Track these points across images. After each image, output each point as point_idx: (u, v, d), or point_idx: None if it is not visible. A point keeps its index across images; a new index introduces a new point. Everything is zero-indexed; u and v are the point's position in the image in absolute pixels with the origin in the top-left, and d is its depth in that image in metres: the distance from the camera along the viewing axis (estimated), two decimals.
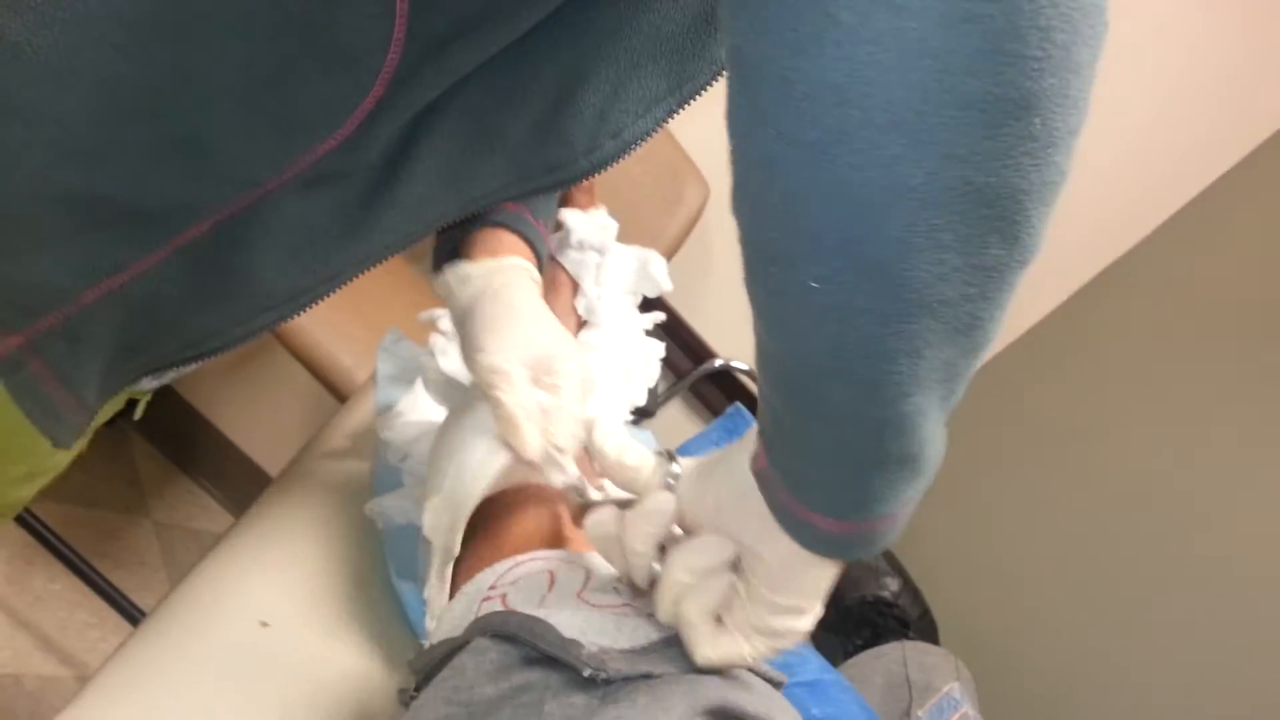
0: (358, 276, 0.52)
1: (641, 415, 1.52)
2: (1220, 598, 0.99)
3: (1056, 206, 0.32)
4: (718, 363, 1.64)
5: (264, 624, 0.54)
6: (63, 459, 0.59)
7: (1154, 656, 1.02)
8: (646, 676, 0.41)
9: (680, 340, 1.63)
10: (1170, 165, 1.51)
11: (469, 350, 0.56)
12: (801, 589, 0.42)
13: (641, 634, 0.44)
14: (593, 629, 0.43)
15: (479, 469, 0.54)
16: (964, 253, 0.30)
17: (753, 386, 1.65)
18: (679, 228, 1.50)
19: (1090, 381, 1.44)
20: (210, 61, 0.40)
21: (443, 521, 0.54)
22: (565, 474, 0.53)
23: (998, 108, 0.28)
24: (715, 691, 0.41)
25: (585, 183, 0.78)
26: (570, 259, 0.77)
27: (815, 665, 0.72)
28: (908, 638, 0.87)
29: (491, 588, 0.49)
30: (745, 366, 1.64)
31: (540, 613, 0.45)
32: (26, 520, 1.28)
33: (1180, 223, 1.51)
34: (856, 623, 0.89)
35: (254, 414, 1.67)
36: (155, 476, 1.65)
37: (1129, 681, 1.02)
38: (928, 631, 0.92)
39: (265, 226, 0.46)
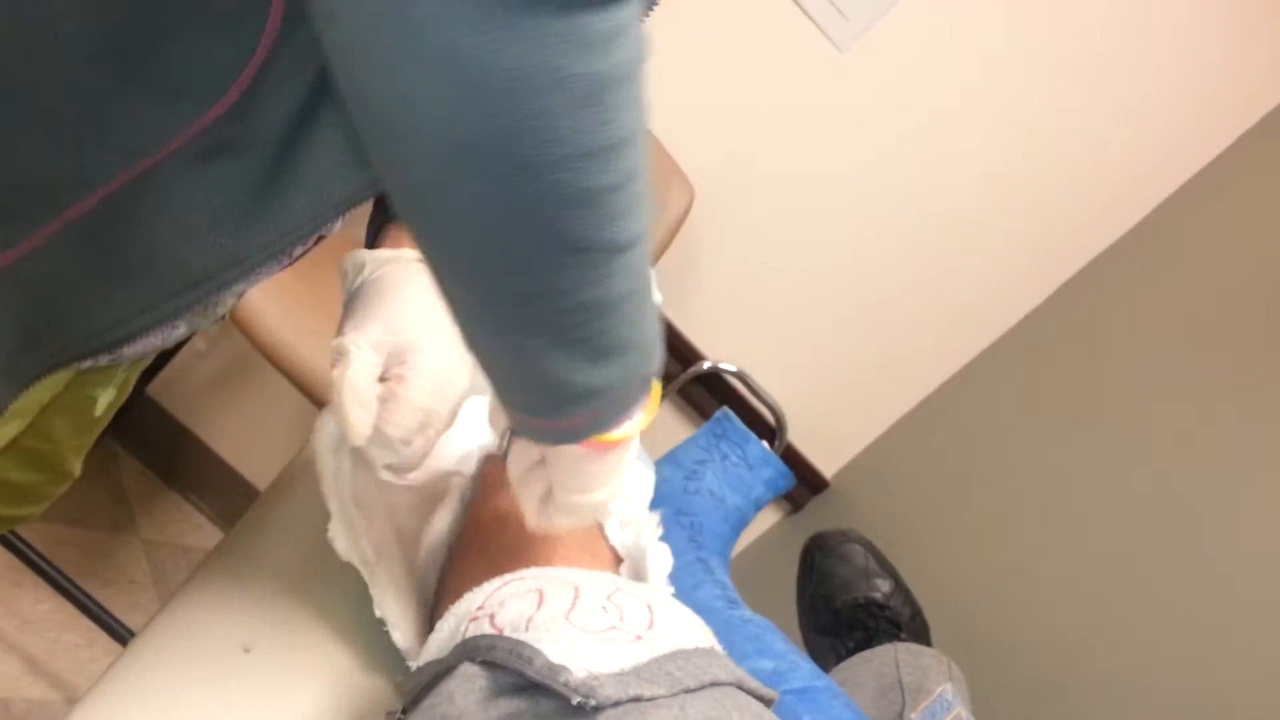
0: (271, 263, 0.49)
1: None
2: (1218, 595, 0.99)
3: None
4: (706, 365, 1.64)
5: (246, 649, 0.53)
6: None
7: (1150, 654, 1.02)
8: (637, 699, 0.41)
9: (667, 343, 1.62)
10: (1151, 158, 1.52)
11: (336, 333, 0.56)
12: (579, 477, 0.50)
13: (630, 655, 0.44)
14: (579, 652, 0.43)
15: (341, 475, 0.55)
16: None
17: (742, 389, 1.65)
18: (665, 232, 1.50)
19: (1083, 374, 1.44)
20: (76, 28, 0.39)
21: (341, 533, 0.55)
22: (397, 457, 0.54)
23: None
24: (703, 712, 0.42)
25: None
26: None
27: (806, 671, 0.71)
28: (900, 639, 0.87)
29: (479, 608, 0.49)
30: (733, 368, 1.64)
31: (528, 635, 0.44)
32: (11, 542, 1.27)
33: (1171, 209, 1.52)
34: (848, 625, 0.89)
35: (241, 428, 1.66)
36: (143, 493, 1.64)
37: (1124, 679, 1.02)
38: (920, 632, 0.92)
39: (159, 202, 0.44)
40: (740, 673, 0.47)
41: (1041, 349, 1.56)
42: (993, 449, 1.50)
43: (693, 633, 0.49)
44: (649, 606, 0.49)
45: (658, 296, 0.83)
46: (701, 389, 1.66)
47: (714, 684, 0.44)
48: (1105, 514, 1.21)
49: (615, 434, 0.47)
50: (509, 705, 0.42)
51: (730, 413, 1.04)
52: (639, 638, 0.45)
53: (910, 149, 1.54)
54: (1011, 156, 1.54)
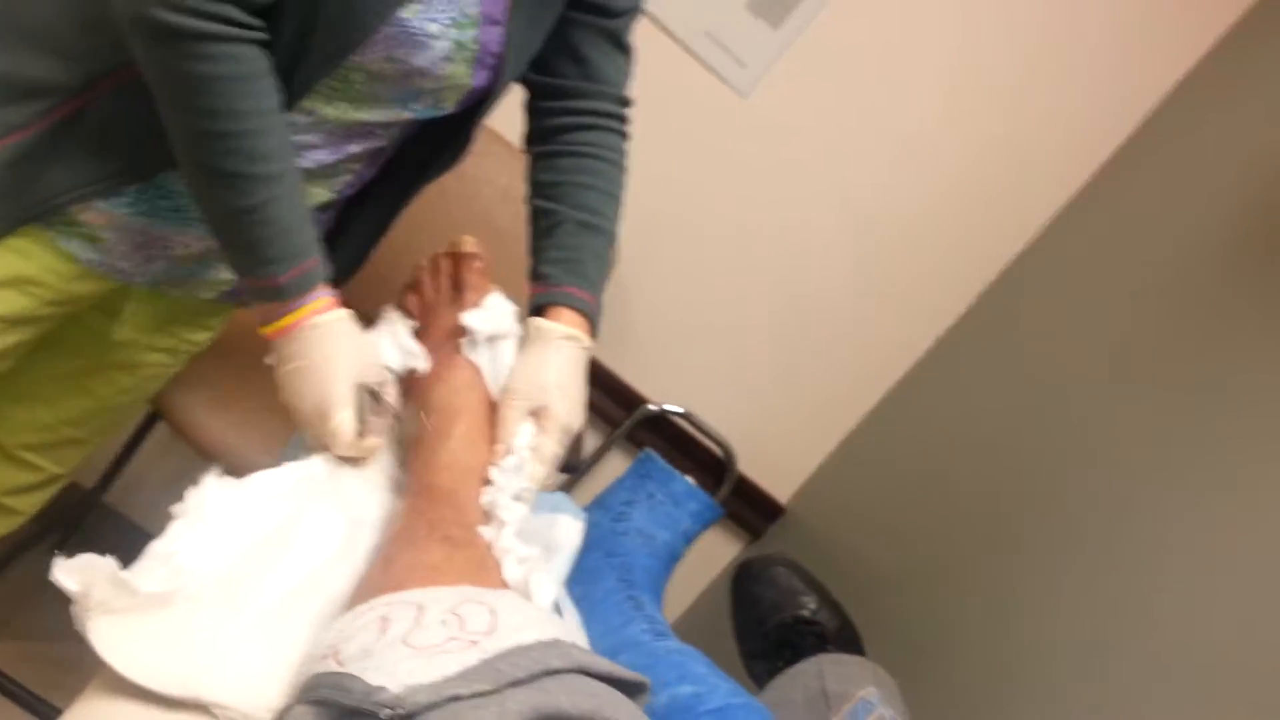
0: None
1: (568, 470, 1.55)
2: (1156, 597, 1.01)
3: None
4: (651, 408, 1.67)
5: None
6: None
7: (1085, 654, 1.04)
8: (454, 699, 0.42)
9: (611, 391, 1.66)
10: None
11: None
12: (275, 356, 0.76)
13: (459, 661, 0.45)
14: (404, 670, 0.45)
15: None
16: None
17: (689, 428, 1.69)
18: None
19: (1013, 377, 1.48)
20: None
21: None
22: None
23: None
24: (525, 701, 0.43)
25: (477, 264, 0.86)
26: (481, 358, 0.82)
27: (724, 691, 0.74)
28: (826, 651, 0.89)
29: (329, 646, 0.51)
30: (679, 409, 1.68)
31: (365, 664, 0.46)
32: None
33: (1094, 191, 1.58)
34: (778, 645, 0.91)
35: None
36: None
37: (1060, 680, 1.04)
38: (849, 642, 0.94)
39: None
40: (588, 659, 0.48)
41: (973, 355, 1.61)
42: (938, 454, 1.53)
43: (538, 629, 0.49)
44: (493, 611, 0.50)
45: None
46: (649, 432, 1.69)
47: (548, 673, 0.45)
48: (1052, 511, 1.24)
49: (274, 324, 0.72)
50: None
51: (653, 453, 1.07)
52: (474, 643, 0.46)
53: (821, 180, 1.61)
54: (917, 175, 1.60)
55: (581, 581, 0.86)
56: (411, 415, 0.78)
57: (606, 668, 0.49)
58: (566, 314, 0.82)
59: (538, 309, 0.84)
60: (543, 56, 0.87)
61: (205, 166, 0.69)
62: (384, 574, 0.59)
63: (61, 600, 0.57)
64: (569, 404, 0.80)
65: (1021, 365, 1.47)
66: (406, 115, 0.81)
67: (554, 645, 0.48)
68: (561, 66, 0.88)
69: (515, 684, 0.44)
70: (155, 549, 0.61)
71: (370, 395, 0.75)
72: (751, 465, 1.71)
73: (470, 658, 0.46)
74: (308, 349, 0.72)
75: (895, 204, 1.61)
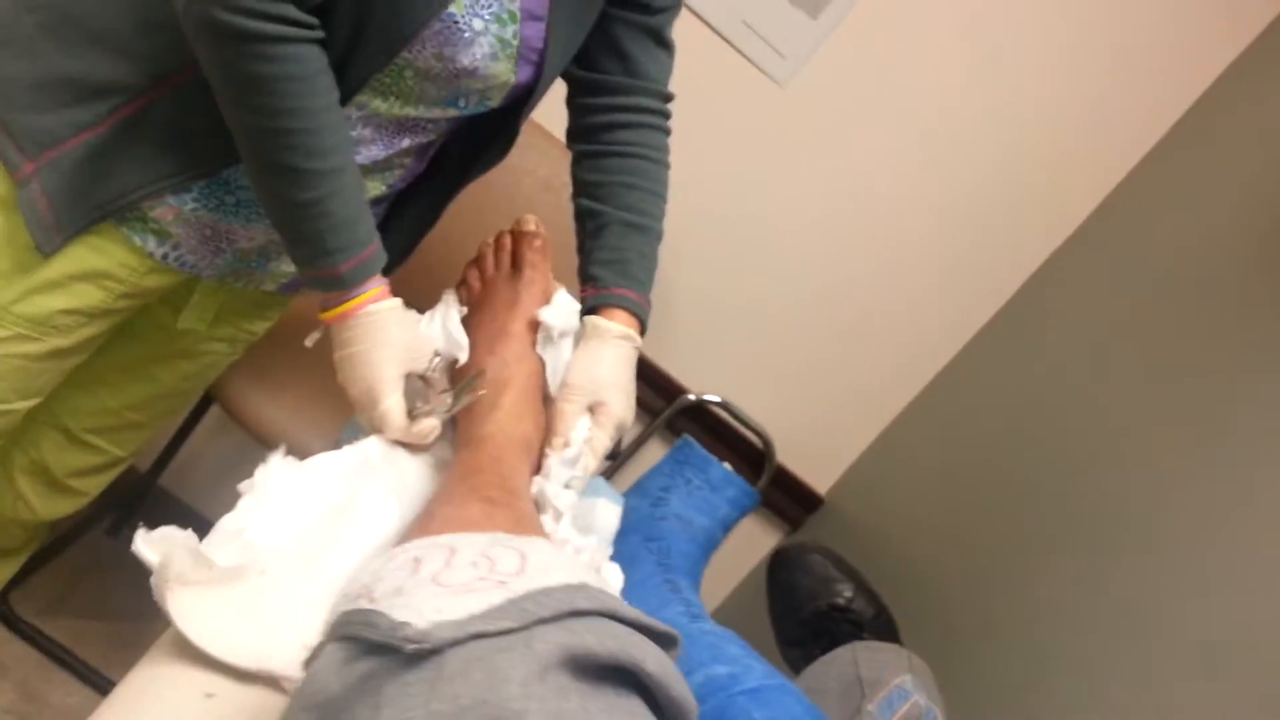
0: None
1: (609, 457, 1.56)
2: (1189, 592, 1.00)
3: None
4: (690, 397, 1.68)
5: (209, 695, 0.58)
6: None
7: (1120, 646, 1.03)
8: (479, 636, 0.43)
9: (651, 381, 1.68)
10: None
11: None
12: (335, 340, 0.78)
13: (486, 600, 0.45)
14: (432, 607, 0.45)
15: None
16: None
17: (727, 418, 1.70)
18: None
19: (1058, 369, 1.47)
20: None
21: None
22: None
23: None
24: (552, 640, 0.43)
25: (538, 243, 0.88)
26: (547, 352, 0.85)
27: (759, 673, 0.75)
28: (861, 639, 0.90)
29: (362, 587, 0.51)
30: (718, 399, 1.69)
31: (395, 602, 0.46)
32: (35, 640, 1.33)
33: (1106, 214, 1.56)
34: (814, 633, 0.92)
35: None
36: None
37: (1095, 672, 1.03)
38: (885, 630, 0.94)
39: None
40: (616, 604, 0.48)
41: (1012, 348, 1.59)
42: (977, 447, 1.52)
43: (567, 573, 0.49)
44: (523, 554, 0.50)
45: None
46: (689, 421, 1.70)
47: (575, 613, 0.45)
48: (1086, 505, 1.23)
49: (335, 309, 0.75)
50: (363, 666, 0.44)
51: (691, 439, 1.08)
52: (502, 583, 0.47)
53: (860, 171, 1.60)
54: (955, 166, 1.59)
55: (620, 565, 0.87)
56: (463, 389, 0.80)
57: (634, 614, 0.48)
58: (620, 314, 0.85)
59: (591, 309, 0.86)
60: (586, 52, 0.89)
61: (268, 163, 0.72)
62: (422, 527, 0.60)
63: (117, 579, 0.59)
64: (623, 400, 0.83)
65: (1057, 359, 1.46)
66: (454, 112, 0.84)
67: (581, 588, 0.48)
68: (604, 62, 0.90)
69: (541, 622, 0.44)
70: (225, 524, 0.63)
71: (422, 381, 0.77)
72: (790, 456, 1.71)
73: (497, 596, 0.46)
74: (361, 335, 0.74)
75: (932, 196, 1.60)
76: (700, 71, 1.56)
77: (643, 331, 0.88)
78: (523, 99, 0.85)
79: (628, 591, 0.86)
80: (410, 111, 0.81)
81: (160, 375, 1.01)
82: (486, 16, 0.75)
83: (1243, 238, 1.26)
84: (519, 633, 0.44)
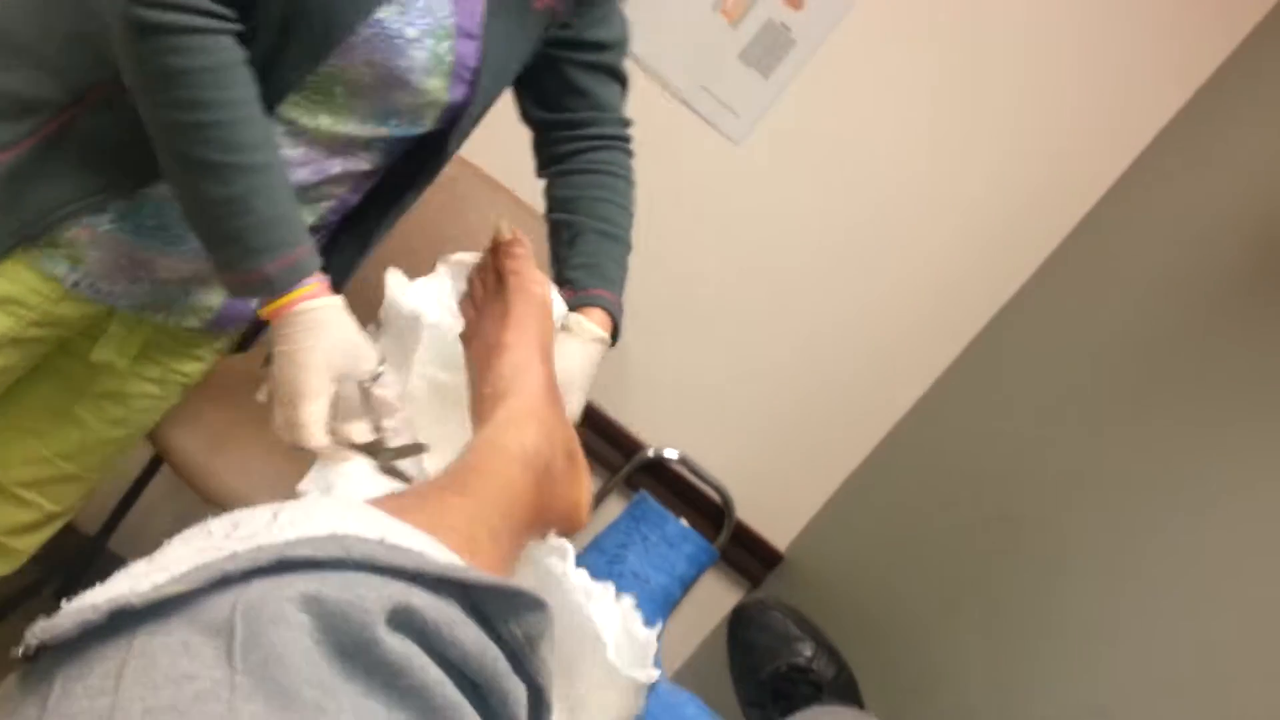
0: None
1: None
2: (1148, 641, 1.01)
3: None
4: (649, 453, 1.67)
5: None
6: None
7: (1097, 699, 1.03)
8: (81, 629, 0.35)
9: (609, 436, 1.67)
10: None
11: None
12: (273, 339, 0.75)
13: (163, 571, 0.37)
14: (103, 592, 0.38)
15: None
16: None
17: (686, 474, 1.69)
18: None
19: (1004, 421, 1.48)
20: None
21: None
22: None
23: None
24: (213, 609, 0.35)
25: (518, 250, 0.85)
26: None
27: None
28: (821, 702, 0.88)
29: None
30: (676, 454, 1.68)
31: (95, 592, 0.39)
32: None
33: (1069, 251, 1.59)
34: (773, 695, 0.90)
35: None
36: None
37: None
38: (846, 690, 0.93)
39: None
40: (395, 556, 0.39)
41: (968, 402, 1.61)
42: (935, 500, 1.53)
43: (323, 524, 0.41)
44: (276, 512, 0.42)
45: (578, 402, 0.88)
46: (648, 477, 1.69)
47: (284, 566, 0.36)
48: (1050, 555, 1.24)
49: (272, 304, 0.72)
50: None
51: (647, 495, 1.07)
52: (211, 548, 0.39)
53: (814, 226, 1.63)
54: (910, 220, 1.62)
55: None
56: (402, 451, 0.77)
57: (441, 570, 0.39)
58: (597, 314, 0.87)
59: (569, 310, 0.88)
60: (547, 97, 0.94)
61: (185, 158, 0.70)
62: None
63: None
64: (581, 400, 0.85)
65: (1014, 411, 1.48)
66: (384, 131, 0.83)
67: (329, 539, 0.39)
68: (568, 102, 0.94)
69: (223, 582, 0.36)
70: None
71: (361, 391, 0.73)
72: (750, 512, 1.70)
73: (184, 565, 0.37)
74: (292, 334, 0.72)
75: (885, 249, 1.63)
76: (656, 130, 1.57)
77: (616, 334, 0.90)
78: (456, 120, 0.86)
79: None
80: (340, 129, 0.80)
81: (86, 419, 0.97)
82: (420, 26, 0.75)
83: (1196, 284, 1.29)
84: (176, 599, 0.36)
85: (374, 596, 0.36)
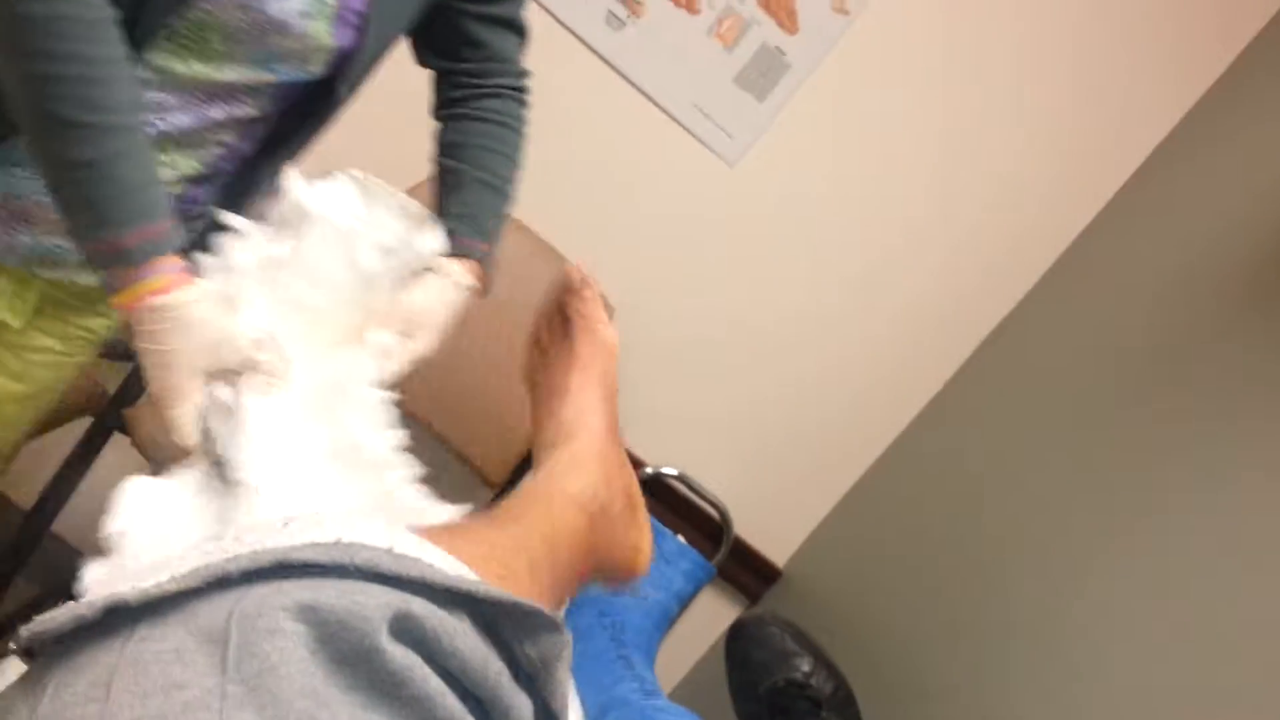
0: None
1: None
2: (1147, 659, 1.01)
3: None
4: (647, 470, 1.68)
5: None
6: None
7: (1095, 713, 1.03)
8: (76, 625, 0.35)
9: None
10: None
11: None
12: (137, 336, 0.69)
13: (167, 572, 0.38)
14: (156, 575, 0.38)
15: None
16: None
17: (684, 491, 1.70)
18: None
19: (1011, 432, 1.49)
20: None
21: None
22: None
23: None
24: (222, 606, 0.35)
25: (587, 293, 0.85)
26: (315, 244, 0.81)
27: None
28: (819, 717, 0.89)
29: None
30: (674, 472, 1.69)
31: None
32: None
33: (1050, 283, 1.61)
34: (771, 710, 0.91)
35: None
36: None
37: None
38: (843, 706, 0.94)
39: None
40: (381, 560, 0.39)
41: (965, 418, 1.62)
42: (934, 516, 1.54)
43: (324, 532, 0.41)
44: (285, 522, 0.43)
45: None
46: (646, 494, 1.69)
47: (284, 568, 0.37)
48: (1048, 571, 1.24)
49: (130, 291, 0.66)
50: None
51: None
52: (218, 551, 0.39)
53: (810, 246, 1.65)
54: (906, 240, 1.64)
55: (574, 641, 0.86)
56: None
57: (439, 578, 0.38)
58: (470, 265, 0.88)
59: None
60: (442, 46, 0.93)
61: (44, 114, 0.65)
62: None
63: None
64: (432, 339, 0.84)
65: (1013, 427, 1.49)
66: (270, 77, 0.80)
67: (334, 546, 0.39)
68: (462, 53, 0.94)
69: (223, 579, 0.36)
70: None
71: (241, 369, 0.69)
72: (748, 528, 1.71)
73: (186, 565, 0.38)
74: (156, 332, 0.67)
75: (883, 269, 1.65)
76: (651, 151, 1.61)
77: (487, 281, 0.91)
78: (344, 67, 0.83)
79: (580, 666, 0.85)
80: (218, 76, 0.77)
81: None
82: None
83: (1190, 296, 1.31)
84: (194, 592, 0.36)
85: (374, 604, 0.36)
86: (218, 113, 0.80)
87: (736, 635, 0.99)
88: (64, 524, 1.55)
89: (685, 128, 1.59)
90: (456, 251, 0.88)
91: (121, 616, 0.35)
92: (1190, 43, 1.56)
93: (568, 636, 0.44)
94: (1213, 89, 1.56)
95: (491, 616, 0.40)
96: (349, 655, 0.35)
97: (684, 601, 1.04)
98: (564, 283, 0.81)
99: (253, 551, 0.37)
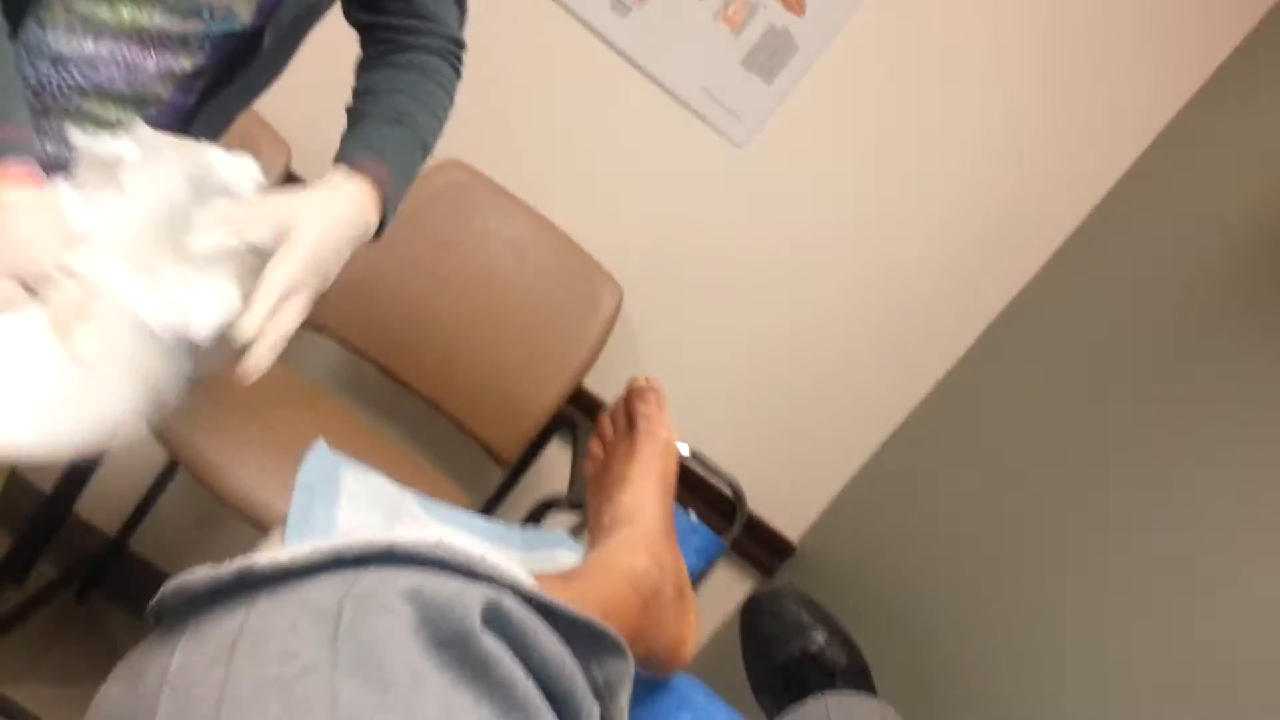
0: None
1: (574, 507, 1.58)
2: (1160, 639, 1.02)
3: None
4: None
5: None
6: None
7: (1097, 693, 1.05)
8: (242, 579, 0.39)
9: None
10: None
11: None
12: None
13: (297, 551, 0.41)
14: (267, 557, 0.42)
15: None
16: None
17: (697, 468, 1.72)
18: (599, 330, 1.60)
19: (1026, 407, 1.50)
20: None
21: None
22: None
23: None
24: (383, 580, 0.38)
25: (651, 396, 0.86)
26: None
27: (722, 718, 0.77)
28: (834, 688, 0.92)
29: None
30: (687, 450, 1.71)
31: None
32: (4, 708, 1.31)
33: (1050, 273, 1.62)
34: (785, 681, 0.93)
35: None
36: (135, 644, 1.68)
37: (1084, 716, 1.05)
38: (859, 677, 0.96)
39: None
40: (485, 566, 0.43)
41: (975, 392, 1.64)
42: (947, 490, 1.55)
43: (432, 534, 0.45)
44: (390, 526, 0.48)
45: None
46: None
47: (390, 558, 0.41)
48: (1062, 546, 1.26)
49: None
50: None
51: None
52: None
53: (820, 225, 1.66)
54: (914, 219, 1.65)
55: None
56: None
57: (527, 587, 0.42)
58: (357, 176, 0.77)
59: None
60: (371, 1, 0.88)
61: None
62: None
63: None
64: (311, 247, 0.70)
65: (1029, 401, 1.50)
66: (199, 25, 0.79)
67: (435, 545, 0.42)
68: (388, 4, 0.89)
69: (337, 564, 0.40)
70: None
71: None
72: (761, 504, 1.73)
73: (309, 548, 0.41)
74: None
75: (892, 244, 1.66)
76: (660, 134, 1.62)
77: (386, 214, 0.79)
78: (271, 14, 0.80)
79: None
80: (146, 23, 0.76)
81: None
82: None
83: (1199, 287, 1.32)
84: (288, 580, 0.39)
85: (471, 594, 0.40)
86: (150, 65, 0.79)
87: (752, 609, 1.02)
88: (86, 506, 1.60)
89: (693, 111, 1.60)
90: (348, 168, 0.78)
91: (248, 585, 0.39)
92: (1185, 37, 1.56)
93: (631, 664, 0.46)
94: (1207, 84, 1.56)
95: (565, 635, 0.43)
96: (447, 637, 0.38)
97: (697, 577, 1.06)
98: (632, 386, 0.85)
99: (367, 540, 0.41)
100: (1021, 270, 1.66)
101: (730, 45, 1.57)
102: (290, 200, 0.71)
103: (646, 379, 0.86)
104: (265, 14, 0.80)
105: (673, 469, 0.82)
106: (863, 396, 1.72)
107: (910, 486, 1.64)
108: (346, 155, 0.79)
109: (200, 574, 0.40)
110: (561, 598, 0.51)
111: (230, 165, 0.68)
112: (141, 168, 0.67)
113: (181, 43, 0.80)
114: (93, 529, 1.71)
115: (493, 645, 0.38)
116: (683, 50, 1.57)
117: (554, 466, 1.69)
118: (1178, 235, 1.41)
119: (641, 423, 0.83)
